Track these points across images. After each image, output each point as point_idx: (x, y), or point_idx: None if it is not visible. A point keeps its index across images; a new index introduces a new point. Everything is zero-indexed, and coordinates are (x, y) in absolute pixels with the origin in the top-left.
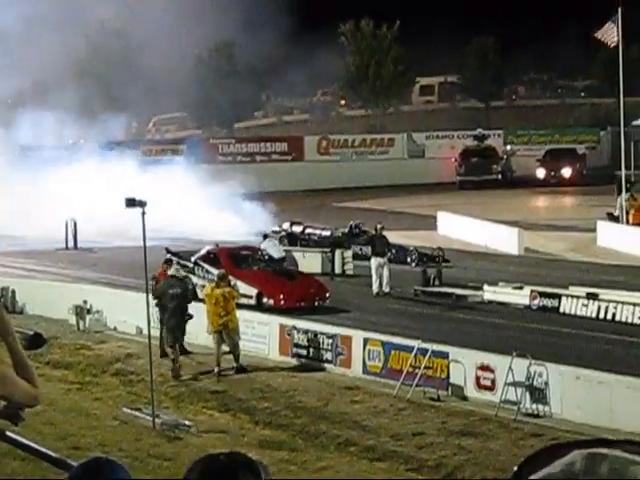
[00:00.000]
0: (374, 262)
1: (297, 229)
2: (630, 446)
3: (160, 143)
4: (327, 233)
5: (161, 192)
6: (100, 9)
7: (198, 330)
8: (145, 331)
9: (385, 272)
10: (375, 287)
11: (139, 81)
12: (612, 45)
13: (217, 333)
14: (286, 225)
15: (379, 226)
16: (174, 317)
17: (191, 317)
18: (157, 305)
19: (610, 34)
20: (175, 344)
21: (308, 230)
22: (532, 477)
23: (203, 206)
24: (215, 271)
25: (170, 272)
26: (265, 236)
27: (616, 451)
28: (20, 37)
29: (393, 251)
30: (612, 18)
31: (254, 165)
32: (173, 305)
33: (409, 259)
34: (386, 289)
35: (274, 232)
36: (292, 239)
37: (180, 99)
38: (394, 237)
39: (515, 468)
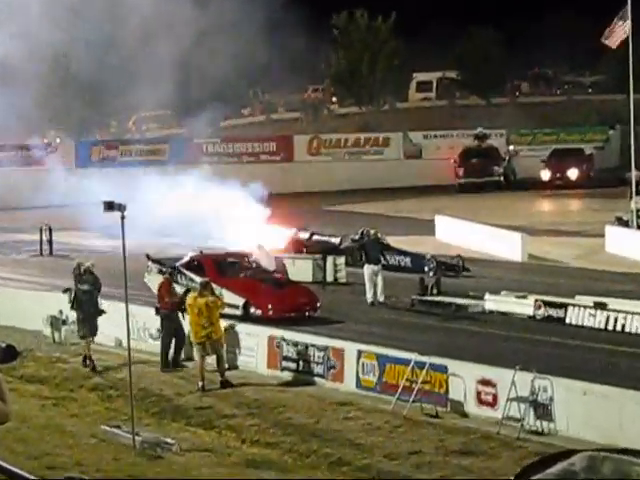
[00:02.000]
0: (367, 270)
1: (302, 236)
2: (630, 453)
3: (141, 142)
4: (336, 240)
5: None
6: None
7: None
8: (125, 343)
9: (379, 280)
10: (369, 296)
11: (118, 76)
12: (616, 45)
13: (200, 345)
14: (304, 235)
15: (372, 231)
16: (85, 311)
17: (102, 313)
18: (71, 303)
19: (618, 31)
20: (86, 337)
21: (315, 237)
22: (534, 477)
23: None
24: (199, 279)
25: (84, 266)
26: (260, 247)
27: (617, 455)
28: None
29: (388, 257)
30: (619, 14)
31: (241, 166)
32: (85, 299)
33: (426, 268)
34: (381, 298)
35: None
36: (298, 247)
37: (162, 95)
38: (396, 244)
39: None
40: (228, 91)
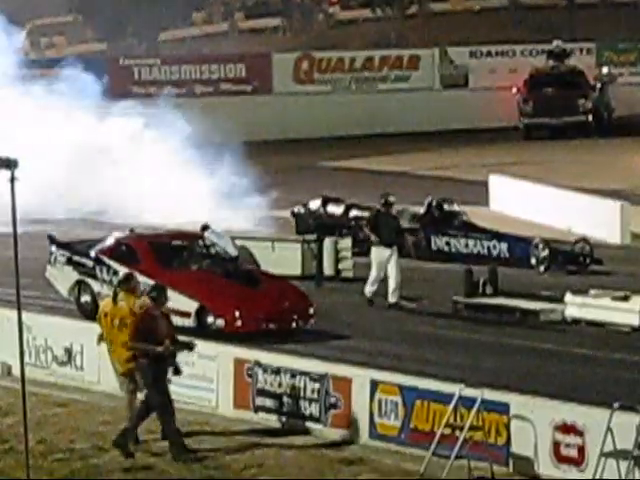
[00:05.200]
0: (376, 253)
1: (335, 210)
2: None
3: (39, 65)
4: None
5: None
6: None
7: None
8: (16, 370)
9: (393, 271)
10: (370, 289)
11: None
12: None
13: (126, 376)
14: (314, 204)
15: (391, 199)
16: None
17: None
18: None
19: None
20: None
21: (354, 212)
22: None
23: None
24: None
25: None
26: (204, 228)
27: None
28: None
29: (470, 243)
30: None
31: (192, 100)
32: None
33: (534, 259)
34: (392, 298)
35: (295, 214)
36: (326, 227)
37: None
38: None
39: None
40: None
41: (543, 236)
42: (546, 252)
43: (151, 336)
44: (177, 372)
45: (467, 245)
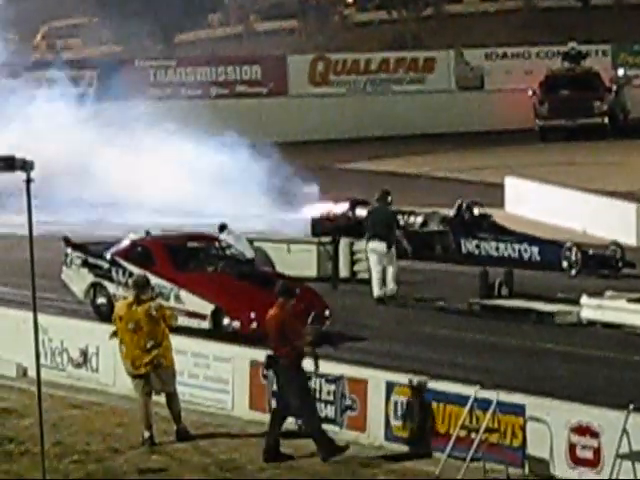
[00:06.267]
0: (372, 246)
1: (364, 213)
2: None
3: (55, 67)
4: (420, 219)
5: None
6: None
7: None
8: (32, 372)
9: (389, 265)
10: (377, 289)
11: None
12: None
13: (140, 378)
14: (341, 207)
15: (389, 198)
16: None
17: None
18: None
19: None
20: None
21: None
22: None
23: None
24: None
25: None
26: (222, 227)
27: None
28: None
29: (501, 246)
30: None
31: (208, 102)
32: None
33: (565, 262)
34: (390, 291)
35: (323, 220)
36: (353, 229)
37: None
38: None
39: None
40: None
41: (574, 240)
42: (578, 256)
43: (297, 334)
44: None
45: (497, 248)
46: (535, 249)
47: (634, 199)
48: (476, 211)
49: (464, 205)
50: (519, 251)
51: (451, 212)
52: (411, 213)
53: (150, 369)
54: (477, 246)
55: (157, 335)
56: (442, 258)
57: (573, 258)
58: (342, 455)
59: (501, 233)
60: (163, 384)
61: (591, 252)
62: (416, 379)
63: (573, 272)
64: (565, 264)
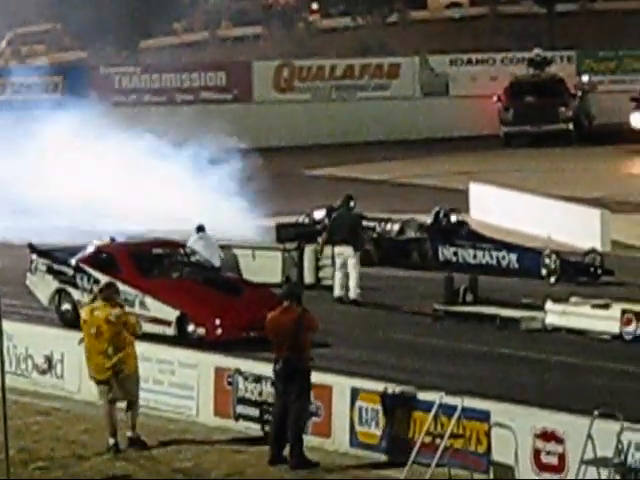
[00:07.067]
0: (336, 250)
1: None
2: None
3: (20, 74)
4: (397, 227)
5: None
6: None
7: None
8: None
9: (352, 271)
10: (338, 290)
11: None
12: None
13: (103, 384)
14: (319, 214)
15: (352, 203)
16: None
17: None
18: None
19: None
20: None
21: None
22: None
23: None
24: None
25: None
26: (200, 228)
27: None
28: None
29: (478, 253)
30: None
31: (171, 108)
32: None
33: (544, 270)
34: (353, 295)
35: (296, 225)
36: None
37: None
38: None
39: None
40: None
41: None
42: (555, 263)
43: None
44: None
45: (475, 256)
46: (513, 256)
47: (599, 205)
48: (453, 218)
49: (441, 212)
50: (497, 258)
51: (428, 219)
52: (388, 220)
53: (111, 375)
54: (455, 253)
55: (119, 341)
56: (419, 266)
57: (552, 266)
58: (311, 470)
59: (479, 240)
60: (125, 392)
61: (571, 259)
62: (381, 385)
63: (552, 280)
64: (544, 271)
